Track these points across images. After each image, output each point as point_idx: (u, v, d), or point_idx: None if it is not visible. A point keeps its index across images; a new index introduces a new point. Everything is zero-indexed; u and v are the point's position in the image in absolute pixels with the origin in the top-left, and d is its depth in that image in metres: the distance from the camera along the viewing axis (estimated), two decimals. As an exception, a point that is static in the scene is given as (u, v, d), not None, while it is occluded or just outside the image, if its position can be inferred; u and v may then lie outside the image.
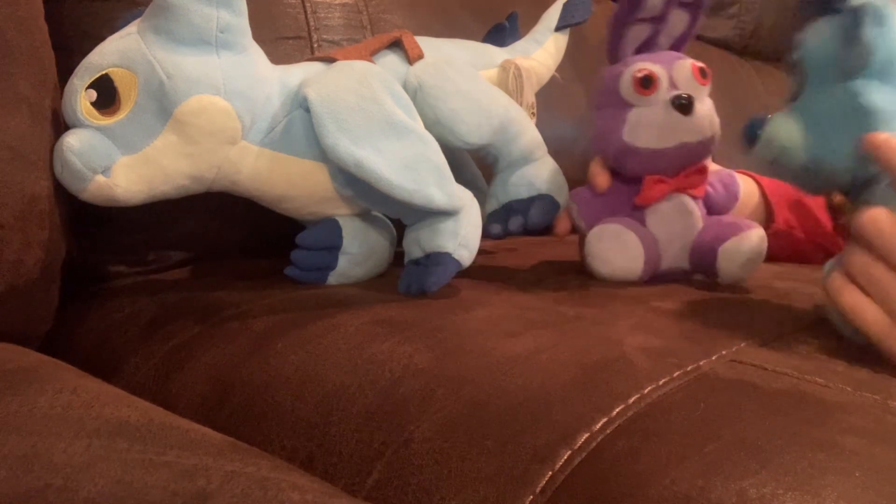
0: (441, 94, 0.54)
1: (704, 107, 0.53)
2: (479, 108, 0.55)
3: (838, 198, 0.46)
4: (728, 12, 1.28)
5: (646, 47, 0.57)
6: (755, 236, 0.54)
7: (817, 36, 0.43)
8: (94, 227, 0.58)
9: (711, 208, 0.57)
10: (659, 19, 0.56)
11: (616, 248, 0.54)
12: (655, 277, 0.55)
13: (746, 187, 0.67)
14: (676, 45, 0.58)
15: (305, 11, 0.69)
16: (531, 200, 0.56)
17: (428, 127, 0.53)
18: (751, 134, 0.47)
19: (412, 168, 0.49)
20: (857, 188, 0.42)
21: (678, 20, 0.57)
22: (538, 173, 0.57)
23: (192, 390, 0.44)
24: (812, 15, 0.44)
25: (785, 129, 0.44)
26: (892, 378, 0.37)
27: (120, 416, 0.31)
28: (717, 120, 0.54)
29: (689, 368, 0.37)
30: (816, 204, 0.67)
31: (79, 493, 0.26)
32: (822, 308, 0.43)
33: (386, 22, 0.75)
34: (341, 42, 0.70)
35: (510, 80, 0.60)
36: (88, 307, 0.55)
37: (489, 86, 0.58)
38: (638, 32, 0.56)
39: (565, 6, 0.67)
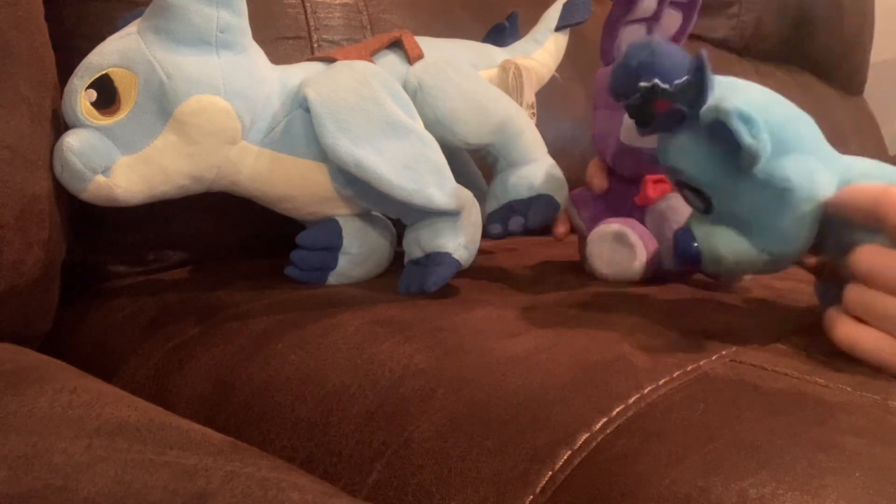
0: (441, 93, 0.54)
1: None
2: (479, 107, 0.55)
3: (812, 260, 0.45)
4: (728, 12, 1.28)
5: None
6: None
7: (690, 154, 0.41)
8: (94, 227, 0.58)
9: None
10: (652, 20, 0.56)
11: (617, 248, 0.54)
12: (656, 277, 0.56)
13: None
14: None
15: (305, 11, 0.69)
16: (531, 200, 0.56)
17: (428, 127, 0.53)
18: (690, 254, 0.43)
19: (412, 168, 0.49)
20: (820, 242, 0.41)
21: (671, 20, 0.57)
22: (538, 173, 0.57)
23: (192, 390, 0.44)
24: (665, 131, 0.42)
25: (725, 243, 0.41)
26: (892, 378, 0.37)
27: (120, 416, 0.31)
28: None
29: (689, 368, 0.37)
30: None
31: (79, 493, 0.26)
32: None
33: (386, 22, 0.75)
34: (341, 42, 0.70)
35: (510, 80, 0.60)
36: (88, 307, 0.55)
37: (489, 86, 0.58)
38: (632, 33, 0.56)
39: (565, 6, 0.67)
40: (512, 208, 0.57)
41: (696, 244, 0.43)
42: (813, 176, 0.39)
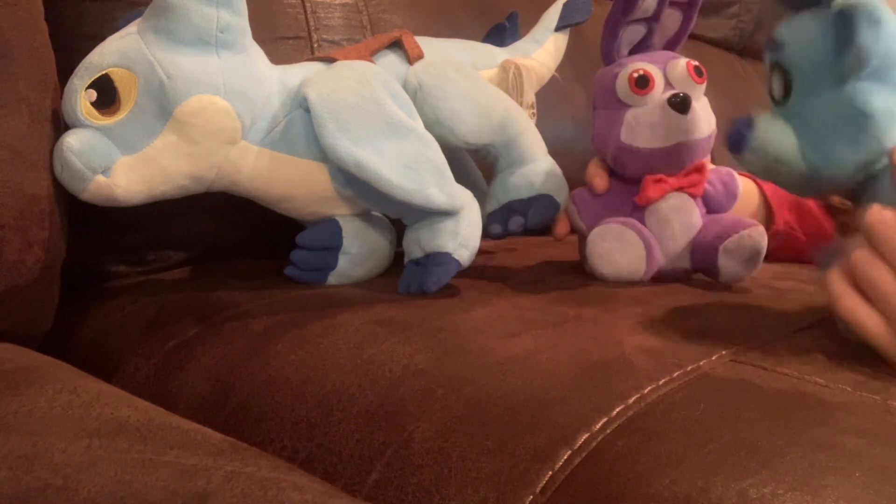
0: (441, 94, 0.54)
1: (701, 105, 0.54)
2: (480, 108, 0.55)
3: (837, 199, 0.44)
4: (728, 12, 1.28)
5: (640, 48, 0.57)
6: (756, 234, 0.54)
7: (802, 36, 0.40)
8: (94, 227, 0.58)
9: (711, 207, 0.57)
10: (653, 19, 0.56)
11: (618, 248, 0.54)
12: (656, 277, 0.55)
13: (746, 189, 0.67)
14: (670, 45, 0.58)
15: (305, 11, 0.69)
16: (531, 200, 0.56)
17: (428, 127, 0.53)
18: (737, 140, 0.43)
19: (412, 168, 0.49)
20: (858, 188, 0.41)
21: (672, 20, 0.57)
22: (538, 173, 0.57)
23: (192, 390, 0.44)
24: (793, 8, 0.41)
25: (776, 138, 0.41)
26: (892, 378, 0.37)
27: (120, 416, 0.31)
28: (713, 118, 0.54)
29: (689, 368, 0.37)
30: (816, 205, 0.67)
31: (79, 493, 0.26)
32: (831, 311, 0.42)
33: (386, 22, 0.75)
34: (341, 42, 0.70)
35: (510, 80, 0.60)
36: (88, 307, 0.55)
37: (489, 86, 0.58)
38: (632, 33, 0.56)
39: (565, 6, 0.67)
40: (512, 208, 0.57)
41: (748, 130, 0.42)
42: (893, 118, 0.38)
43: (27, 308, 0.45)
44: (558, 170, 0.58)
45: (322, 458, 0.37)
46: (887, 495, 0.28)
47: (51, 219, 0.44)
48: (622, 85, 0.54)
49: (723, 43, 1.28)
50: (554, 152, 0.59)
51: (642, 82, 0.53)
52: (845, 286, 0.39)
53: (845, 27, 0.37)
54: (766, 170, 0.42)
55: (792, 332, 0.43)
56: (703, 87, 0.55)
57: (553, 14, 0.67)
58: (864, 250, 0.39)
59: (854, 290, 0.39)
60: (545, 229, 0.60)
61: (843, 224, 0.43)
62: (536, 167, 0.57)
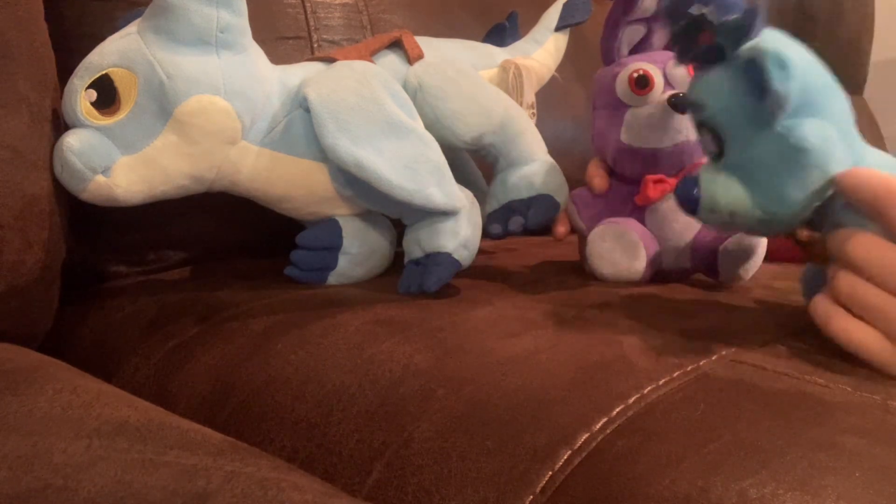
0: (441, 94, 0.54)
1: None
2: (480, 108, 0.55)
3: (805, 233, 0.44)
4: (728, 12, 1.28)
5: (640, 48, 0.57)
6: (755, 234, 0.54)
7: (718, 93, 0.41)
8: (94, 227, 0.58)
9: None
10: (652, 19, 0.56)
11: (618, 249, 0.54)
12: (656, 277, 0.55)
13: None
14: (670, 46, 0.58)
15: (305, 11, 0.69)
16: (531, 200, 0.56)
17: (428, 127, 0.53)
18: (688, 203, 0.43)
19: (412, 168, 0.49)
20: (815, 217, 0.41)
21: None
22: (538, 173, 0.57)
23: (192, 390, 0.44)
24: (700, 66, 0.42)
25: (725, 191, 0.41)
26: (892, 378, 0.37)
27: (120, 416, 0.31)
28: None
29: (689, 368, 0.37)
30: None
31: (79, 493, 0.26)
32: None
33: (386, 22, 0.75)
34: (341, 42, 0.70)
35: (510, 80, 0.60)
36: (88, 307, 0.55)
37: (489, 86, 0.58)
38: (632, 33, 0.56)
39: (565, 6, 0.67)
40: (512, 208, 0.57)
41: (696, 190, 0.42)
42: (830, 146, 0.39)
43: (27, 308, 0.45)
44: (558, 170, 0.58)
45: (322, 458, 0.37)
46: (887, 495, 0.28)
47: (51, 219, 0.44)
48: (622, 85, 0.54)
49: (723, 43, 1.28)
50: (554, 152, 0.59)
51: (642, 82, 0.53)
52: (834, 307, 0.39)
53: (756, 77, 0.38)
54: (724, 224, 0.42)
55: (792, 332, 0.43)
56: None
57: (553, 14, 0.67)
58: (846, 274, 0.39)
59: (843, 311, 0.39)
60: (545, 229, 0.60)
61: (815, 255, 0.43)
62: (536, 167, 0.57)
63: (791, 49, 0.39)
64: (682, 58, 0.43)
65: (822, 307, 0.40)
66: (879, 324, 0.37)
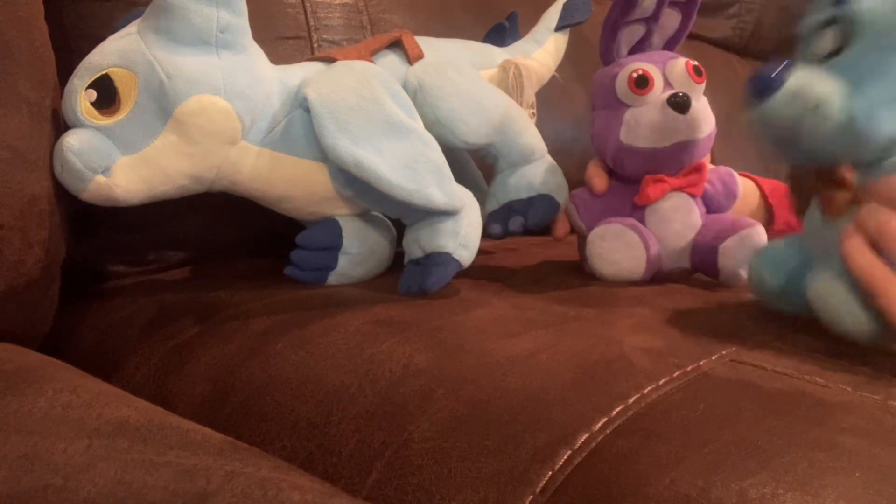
0: (441, 94, 0.54)
1: (700, 105, 0.54)
2: (480, 108, 0.55)
3: (849, 173, 0.42)
4: (728, 12, 1.28)
5: (639, 48, 0.57)
6: (756, 234, 0.54)
7: None
8: (94, 227, 0.58)
9: (711, 206, 0.57)
10: (652, 19, 0.56)
11: (619, 248, 0.54)
12: (656, 277, 0.55)
13: (746, 189, 0.67)
14: (669, 45, 0.58)
15: (305, 11, 0.69)
16: (531, 200, 0.56)
17: (428, 127, 0.53)
18: (767, 80, 0.39)
19: (412, 168, 0.49)
20: (868, 163, 0.39)
21: (671, 20, 0.57)
22: (538, 173, 0.57)
23: (192, 390, 0.44)
24: None
25: (821, 82, 0.38)
26: (892, 378, 0.37)
27: (120, 416, 0.31)
28: (713, 118, 0.54)
29: (688, 368, 0.37)
30: (796, 220, 0.67)
31: (79, 493, 0.26)
32: (826, 297, 0.40)
33: (386, 22, 0.75)
34: (341, 42, 0.70)
35: (510, 80, 0.60)
36: (88, 307, 0.55)
37: (489, 86, 0.58)
38: (631, 33, 0.56)
39: (565, 6, 0.67)
40: (512, 208, 0.57)
41: (786, 71, 0.39)
42: None
43: (27, 308, 0.45)
44: (558, 170, 0.58)
45: (322, 458, 0.37)
46: (887, 495, 0.28)
47: (51, 219, 0.44)
48: (621, 85, 0.54)
49: (723, 43, 1.28)
50: (554, 152, 0.59)
51: (642, 82, 0.53)
52: (861, 243, 0.37)
53: None
54: (796, 117, 0.39)
55: (792, 332, 0.43)
56: (703, 86, 0.55)
57: (553, 14, 0.67)
58: (882, 210, 0.37)
59: (868, 250, 0.37)
60: (545, 229, 0.60)
61: (836, 204, 0.41)
62: (536, 167, 0.57)
63: None
64: None
65: (855, 246, 0.38)
66: None
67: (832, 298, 0.40)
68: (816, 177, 0.43)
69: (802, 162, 0.44)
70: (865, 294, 0.38)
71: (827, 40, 0.40)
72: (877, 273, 0.37)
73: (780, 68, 0.40)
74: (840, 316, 0.39)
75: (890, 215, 0.37)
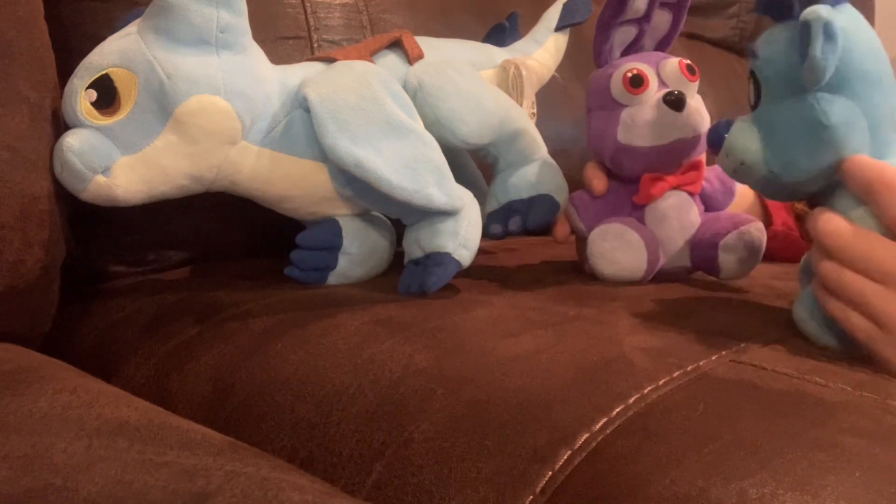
0: (441, 94, 0.54)
1: (695, 102, 0.54)
2: (480, 108, 0.55)
3: (798, 206, 0.45)
4: (728, 12, 1.28)
5: (631, 49, 0.57)
6: (754, 230, 0.54)
7: (771, 45, 0.42)
8: (94, 227, 0.58)
9: (709, 204, 0.57)
10: (644, 20, 0.56)
11: (620, 248, 0.54)
12: (657, 276, 0.55)
13: (742, 190, 0.67)
14: (661, 46, 0.58)
15: (305, 11, 0.69)
16: (531, 200, 0.56)
17: (428, 127, 0.53)
18: (715, 139, 0.45)
19: (412, 168, 0.49)
20: (818, 196, 0.42)
21: (662, 21, 0.57)
22: (538, 173, 0.57)
23: (192, 390, 0.44)
24: (770, 18, 0.42)
25: (744, 140, 0.43)
26: (891, 378, 0.37)
27: (120, 416, 0.31)
28: (707, 115, 0.55)
29: (688, 368, 0.37)
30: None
31: (79, 493, 0.26)
32: (800, 321, 0.43)
33: (386, 22, 0.75)
34: (341, 42, 0.70)
35: (510, 80, 0.60)
36: (88, 307, 0.55)
37: (489, 86, 0.58)
38: (623, 34, 0.56)
39: (565, 6, 0.67)
40: (512, 208, 0.57)
41: (725, 132, 0.44)
42: (851, 130, 0.39)
43: (27, 308, 0.45)
44: (558, 170, 0.58)
45: (322, 458, 0.37)
46: (887, 495, 0.28)
47: (51, 219, 0.44)
48: (616, 85, 0.54)
49: (723, 43, 1.28)
50: (554, 152, 0.59)
51: (636, 81, 0.53)
52: (827, 295, 0.40)
53: (803, 39, 0.38)
54: (734, 171, 0.44)
55: (792, 332, 0.43)
56: (696, 84, 0.55)
57: (553, 14, 0.67)
58: (825, 259, 0.40)
59: (835, 298, 0.40)
60: (545, 229, 0.60)
61: (806, 231, 0.44)
62: (536, 167, 0.57)
63: (855, 28, 0.39)
64: (758, 7, 0.43)
65: (819, 291, 0.41)
66: (864, 311, 0.38)
67: (801, 315, 0.43)
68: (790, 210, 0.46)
69: (767, 196, 0.48)
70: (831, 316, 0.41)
71: (751, 92, 0.44)
72: (833, 308, 0.40)
73: (723, 126, 0.45)
74: (808, 332, 0.43)
75: (836, 269, 0.40)
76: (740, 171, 0.44)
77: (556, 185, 0.57)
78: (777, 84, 0.41)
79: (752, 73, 0.43)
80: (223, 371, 0.44)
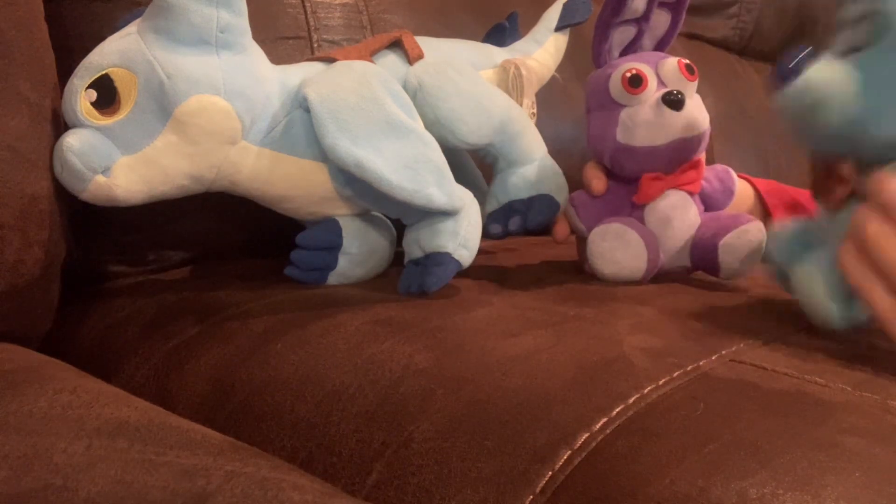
0: (441, 94, 0.54)
1: (694, 102, 0.54)
2: (480, 108, 0.55)
3: (848, 168, 0.42)
4: (728, 12, 1.28)
5: (630, 49, 0.57)
6: (754, 229, 0.54)
7: None
8: (94, 227, 0.58)
9: (708, 203, 0.57)
10: (643, 20, 0.56)
11: (619, 247, 0.54)
12: (657, 276, 0.56)
13: (741, 190, 0.67)
14: (660, 46, 0.58)
15: (305, 11, 0.69)
16: (531, 200, 0.56)
17: (428, 127, 0.53)
18: (788, 70, 0.41)
19: (412, 168, 0.49)
20: (872, 163, 0.39)
21: (660, 21, 0.57)
22: (538, 173, 0.57)
23: (192, 390, 0.44)
24: None
25: (837, 78, 0.39)
26: (892, 378, 0.37)
27: (120, 416, 0.31)
28: (707, 115, 0.55)
29: (688, 368, 0.37)
30: (814, 206, 0.67)
31: (79, 493, 0.26)
32: (806, 287, 0.41)
33: (386, 22, 0.75)
34: (341, 42, 0.70)
35: (510, 81, 0.60)
36: (88, 307, 0.55)
37: (489, 86, 0.58)
38: (622, 34, 0.56)
39: (565, 6, 0.67)
40: (512, 208, 0.57)
41: (806, 59, 0.40)
42: None
43: (27, 308, 0.45)
44: (558, 170, 0.58)
45: (322, 458, 0.37)
46: (887, 495, 0.28)
47: (51, 219, 0.44)
48: (615, 85, 0.54)
49: (723, 43, 1.28)
50: (554, 152, 0.59)
51: (636, 81, 0.53)
52: (857, 254, 0.38)
53: None
54: (801, 113, 0.40)
55: (792, 332, 0.43)
56: (696, 84, 0.55)
57: (553, 14, 0.67)
58: (877, 218, 0.38)
59: (865, 266, 0.38)
60: (545, 229, 0.60)
61: (836, 198, 0.42)
62: (536, 167, 0.57)
63: None
64: None
65: (849, 254, 0.38)
66: (889, 276, 0.37)
67: (809, 286, 0.41)
68: (819, 169, 0.43)
69: (814, 151, 0.45)
70: (852, 293, 0.38)
71: (857, 33, 0.40)
72: (859, 277, 0.38)
73: (801, 56, 0.41)
74: (812, 305, 0.41)
75: (885, 232, 0.37)
76: (813, 110, 0.39)
77: (556, 185, 0.57)
78: None
79: (869, 14, 0.40)
80: (223, 371, 0.44)
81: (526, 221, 0.56)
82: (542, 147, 0.58)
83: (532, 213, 0.56)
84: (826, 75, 0.40)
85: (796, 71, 0.41)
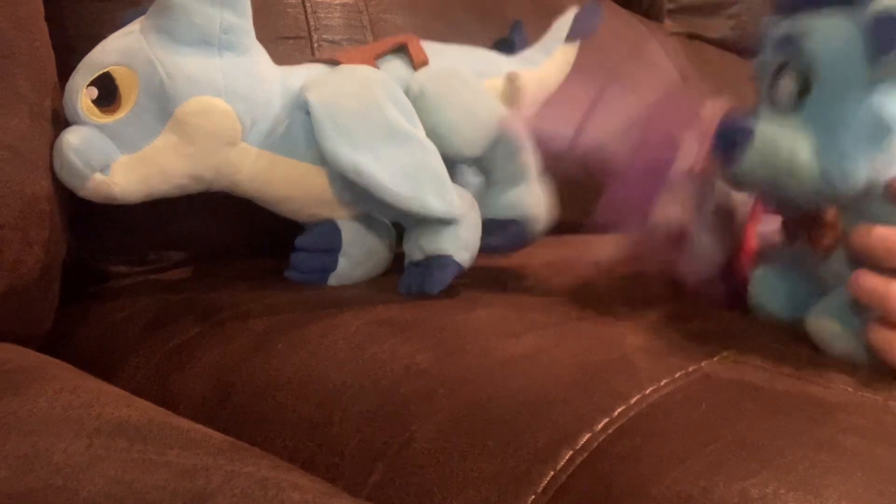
0: (442, 103, 0.53)
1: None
2: (477, 121, 0.54)
3: (832, 214, 0.41)
4: (728, 12, 1.28)
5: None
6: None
7: (829, 35, 0.37)
8: (94, 227, 0.58)
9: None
10: None
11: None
12: (656, 277, 0.55)
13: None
14: None
15: (305, 11, 0.69)
16: (505, 223, 0.54)
17: (426, 134, 0.52)
18: (730, 144, 0.39)
19: (411, 176, 0.48)
20: (844, 206, 0.39)
21: None
22: (524, 197, 0.54)
23: (193, 390, 0.44)
24: (810, 5, 0.38)
25: (790, 144, 0.37)
26: (892, 378, 0.37)
27: (120, 416, 0.31)
28: None
29: (690, 369, 0.37)
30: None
31: (79, 493, 0.26)
32: (829, 336, 0.40)
33: (386, 22, 0.74)
34: (341, 42, 0.70)
35: (511, 97, 0.59)
36: (88, 307, 0.55)
37: (491, 99, 0.56)
38: None
39: (576, 17, 0.66)
40: (485, 226, 0.55)
41: (747, 141, 0.38)
42: None
43: (27, 308, 0.45)
44: (545, 197, 0.54)
45: (323, 458, 0.37)
46: (888, 495, 0.28)
47: (51, 219, 0.44)
48: None
49: (723, 43, 1.28)
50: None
51: None
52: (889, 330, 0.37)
53: (881, 35, 0.35)
54: (770, 178, 0.38)
55: (792, 333, 0.43)
56: None
57: (564, 24, 0.66)
58: (872, 274, 0.37)
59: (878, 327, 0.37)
60: (548, 230, 0.59)
61: (825, 242, 0.41)
62: (524, 190, 0.54)
63: None
64: None
65: (879, 333, 0.37)
66: None
67: (827, 335, 0.40)
68: (801, 220, 0.42)
69: (786, 209, 0.44)
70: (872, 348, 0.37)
71: (786, 85, 0.39)
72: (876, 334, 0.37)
73: (743, 122, 0.39)
74: (835, 349, 0.40)
75: (885, 282, 0.36)
76: (780, 180, 0.38)
77: (537, 211, 0.54)
78: (837, 79, 0.37)
79: (788, 67, 0.39)
80: (224, 371, 0.44)
81: (496, 244, 0.53)
82: (534, 170, 0.55)
83: (502, 236, 0.53)
84: (778, 138, 0.38)
85: (742, 140, 0.39)
